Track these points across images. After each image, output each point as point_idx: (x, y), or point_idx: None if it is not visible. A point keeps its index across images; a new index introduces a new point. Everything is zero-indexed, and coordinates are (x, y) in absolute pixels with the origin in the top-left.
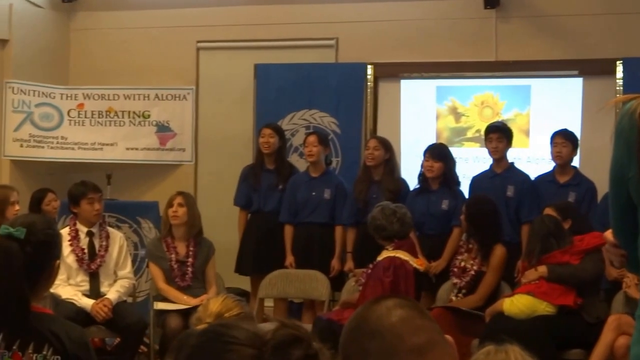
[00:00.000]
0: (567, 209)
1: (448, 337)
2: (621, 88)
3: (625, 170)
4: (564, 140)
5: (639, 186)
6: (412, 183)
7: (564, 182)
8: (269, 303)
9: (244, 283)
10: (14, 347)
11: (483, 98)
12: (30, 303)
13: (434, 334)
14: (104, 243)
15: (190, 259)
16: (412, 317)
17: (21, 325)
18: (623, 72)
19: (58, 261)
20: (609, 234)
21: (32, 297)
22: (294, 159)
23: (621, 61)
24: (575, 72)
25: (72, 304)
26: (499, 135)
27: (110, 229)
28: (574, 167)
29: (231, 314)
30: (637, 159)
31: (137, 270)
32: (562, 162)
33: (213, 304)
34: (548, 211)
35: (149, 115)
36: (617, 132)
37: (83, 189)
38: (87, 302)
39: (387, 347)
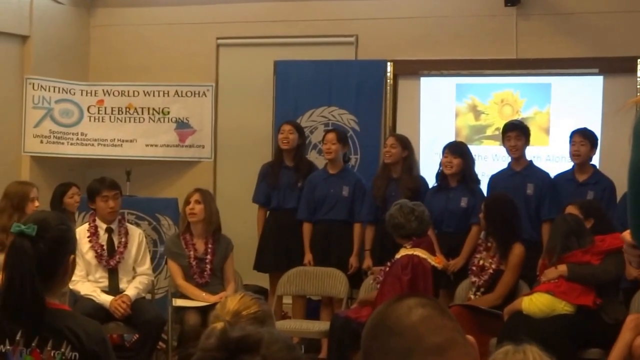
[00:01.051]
0: (590, 208)
1: (469, 337)
2: None
3: None
4: (582, 139)
5: None
6: (431, 181)
7: (582, 180)
8: (287, 300)
9: (263, 280)
10: (33, 344)
11: (503, 96)
12: (45, 300)
13: (454, 333)
14: (123, 239)
15: (208, 256)
16: (433, 316)
17: (37, 322)
18: None
19: (73, 256)
20: (627, 235)
21: (47, 294)
22: (312, 156)
23: None
24: (596, 70)
25: (91, 300)
26: (517, 134)
27: (129, 226)
28: (593, 166)
29: (249, 312)
30: None
31: (156, 267)
32: (580, 160)
33: (231, 302)
34: (571, 209)
35: (168, 112)
36: (636, 134)
37: (98, 185)
38: (105, 299)
39: (407, 345)
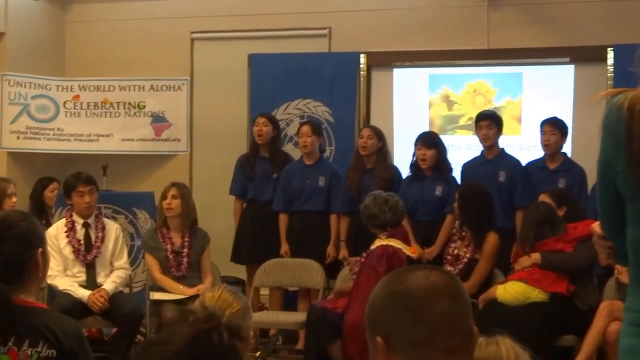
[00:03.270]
0: (562, 196)
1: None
2: (612, 75)
3: (614, 165)
4: (552, 129)
5: (627, 180)
6: (405, 171)
7: (553, 168)
8: (264, 292)
9: (240, 272)
10: (10, 344)
11: (475, 86)
12: (12, 300)
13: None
14: (100, 234)
15: (185, 249)
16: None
17: (9, 322)
18: (614, 59)
19: (41, 249)
20: (596, 226)
21: (22, 292)
22: (288, 148)
23: (612, 48)
24: (567, 60)
25: (69, 295)
26: (489, 123)
27: (106, 220)
28: (564, 154)
29: (231, 311)
30: (625, 153)
31: (133, 261)
32: (551, 150)
33: (210, 301)
34: (543, 197)
35: (144, 106)
36: (605, 126)
37: (74, 181)
38: (83, 293)
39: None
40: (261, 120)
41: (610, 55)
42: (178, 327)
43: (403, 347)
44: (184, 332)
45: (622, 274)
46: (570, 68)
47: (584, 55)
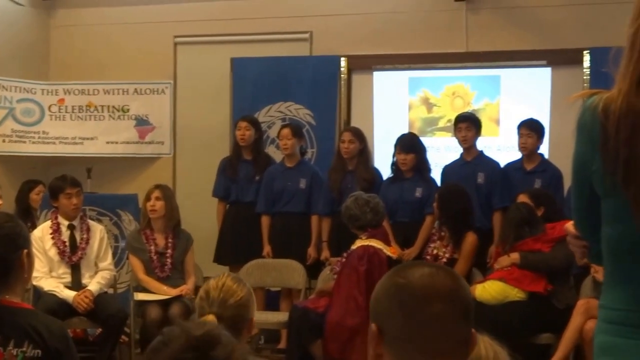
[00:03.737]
0: (541, 196)
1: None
2: (588, 77)
3: (589, 164)
4: (529, 131)
5: (602, 179)
6: (385, 172)
7: (530, 169)
8: None
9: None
10: None
11: (454, 88)
12: None
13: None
14: (84, 236)
15: (169, 250)
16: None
17: None
18: (590, 61)
19: (26, 251)
20: (570, 226)
21: (7, 293)
22: (270, 150)
23: (588, 51)
24: (544, 62)
25: (54, 295)
26: (467, 125)
27: (91, 222)
28: (541, 155)
29: (235, 300)
30: (600, 153)
31: (117, 262)
32: (527, 152)
33: (214, 291)
34: (522, 198)
35: (128, 110)
36: (580, 127)
37: (61, 183)
38: (68, 294)
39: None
40: (243, 123)
41: (587, 57)
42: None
43: (391, 340)
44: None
45: (598, 272)
46: (547, 71)
47: (560, 58)
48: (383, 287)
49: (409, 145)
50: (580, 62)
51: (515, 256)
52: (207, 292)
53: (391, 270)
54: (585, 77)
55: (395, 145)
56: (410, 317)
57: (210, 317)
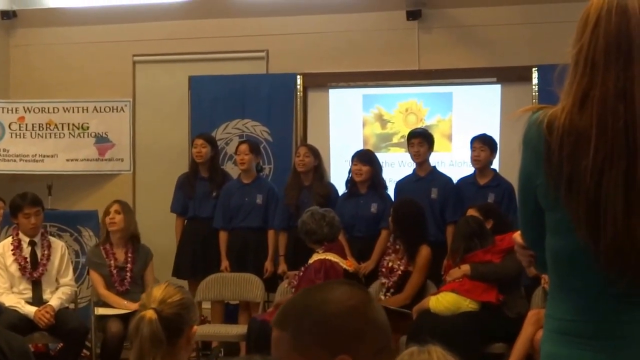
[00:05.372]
0: (489, 210)
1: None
2: (537, 94)
3: (533, 178)
4: (482, 145)
5: (547, 193)
6: (341, 187)
7: (483, 183)
8: (206, 305)
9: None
10: None
11: (407, 105)
12: None
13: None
14: (46, 252)
15: (129, 265)
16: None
17: None
18: (538, 78)
19: None
20: (517, 236)
21: None
22: (228, 167)
23: (536, 68)
24: (494, 79)
25: (16, 311)
26: (420, 140)
27: (51, 239)
28: (493, 170)
29: (174, 300)
30: (544, 167)
31: (78, 278)
32: (481, 165)
33: (157, 291)
34: (471, 212)
35: (88, 127)
36: (525, 142)
37: (21, 202)
38: (30, 309)
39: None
40: (199, 141)
41: (535, 75)
42: None
43: (371, 357)
44: None
45: (548, 283)
46: (497, 88)
47: (510, 76)
48: (338, 315)
49: (366, 158)
50: (529, 79)
51: (466, 268)
52: (150, 291)
53: (323, 299)
54: (534, 94)
55: (353, 158)
56: (381, 327)
57: (150, 313)
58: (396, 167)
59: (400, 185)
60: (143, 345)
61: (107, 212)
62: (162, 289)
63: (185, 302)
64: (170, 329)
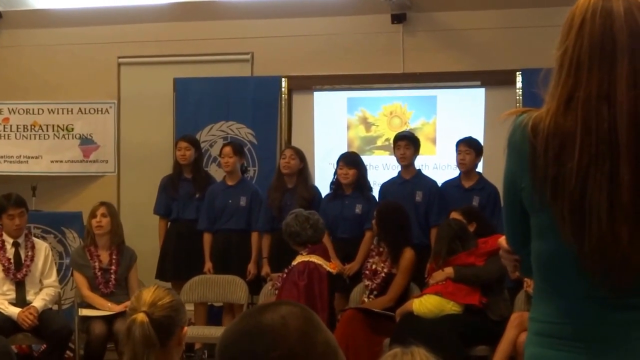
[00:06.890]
0: (471, 213)
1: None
2: (520, 97)
3: (518, 181)
4: (467, 148)
5: (531, 196)
6: (325, 190)
7: (468, 186)
8: (189, 307)
9: None
10: None
11: (391, 108)
12: None
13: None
14: (29, 253)
15: (113, 267)
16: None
17: None
18: (522, 82)
19: None
20: (502, 240)
21: None
22: (212, 169)
23: (520, 72)
24: (478, 83)
25: None
26: (406, 143)
27: (35, 240)
28: (478, 173)
29: (164, 303)
30: (529, 171)
31: (62, 279)
32: (466, 168)
33: (146, 294)
34: (454, 215)
35: (72, 129)
36: (510, 145)
37: (5, 203)
38: (13, 311)
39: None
40: (183, 144)
41: (519, 78)
42: None
43: None
44: None
45: (531, 286)
46: (481, 91)
47: (494, 79)
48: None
49: (352, 161)
50: (513, 82)
51: (449, 270)
52: (140, 295)
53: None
54: (517, 97)
55: (338, 161)
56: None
57: (141, 316)
58: (380, 169)
59: (385, 187)
60: (136, 348)
61: (93, 215)
62: (151, 292)
63: (175, 304)
64: (162, 331)
